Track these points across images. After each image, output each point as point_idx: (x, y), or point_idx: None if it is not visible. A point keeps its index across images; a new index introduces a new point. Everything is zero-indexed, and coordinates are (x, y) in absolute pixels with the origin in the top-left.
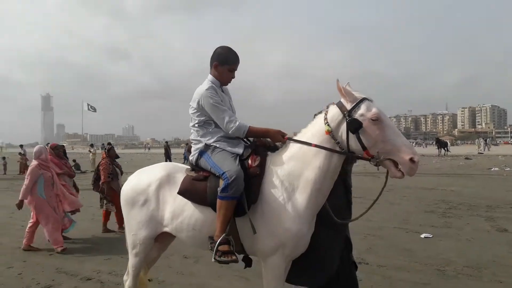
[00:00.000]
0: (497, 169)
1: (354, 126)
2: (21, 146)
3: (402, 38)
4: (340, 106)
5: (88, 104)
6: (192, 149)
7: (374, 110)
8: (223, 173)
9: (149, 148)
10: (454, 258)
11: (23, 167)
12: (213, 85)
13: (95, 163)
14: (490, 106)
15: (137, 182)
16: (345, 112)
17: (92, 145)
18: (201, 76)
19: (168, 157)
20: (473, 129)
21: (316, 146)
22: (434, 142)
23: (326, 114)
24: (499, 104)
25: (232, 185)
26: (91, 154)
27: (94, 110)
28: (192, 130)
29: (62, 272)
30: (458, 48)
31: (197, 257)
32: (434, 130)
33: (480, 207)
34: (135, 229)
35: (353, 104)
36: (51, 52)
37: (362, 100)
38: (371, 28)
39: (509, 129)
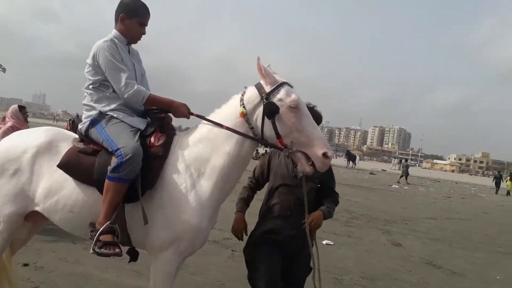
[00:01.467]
0: (397, 186)
1: (271, 110)
2: None
3: (333, 50)
4: (259, 87)
5: None
6: (83, 116)
7: (293, 96)
8: (118, 149)
9: (56, 120)
10: (352, 268)
11: None
12: (116, 39)
13: None
14: (398, 128)
15: (10, 146)
16: (263, 95)
17: None
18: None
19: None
20: (380, 147)
21: (227, 129)
22: (344, 155)
23: (242, 95)
24: (406, 127)
25: (126, 164)
26: None
27: (3, 70)
28: (85, 94)
29: None
30: (383, 69)
31: (88, 244)
32: (346, 143)
33: (379, 220)
34: (0, 203)
35: (273, 87)
36: None
37: (283, 84)
38: (307, 34)
39: (410, 151)
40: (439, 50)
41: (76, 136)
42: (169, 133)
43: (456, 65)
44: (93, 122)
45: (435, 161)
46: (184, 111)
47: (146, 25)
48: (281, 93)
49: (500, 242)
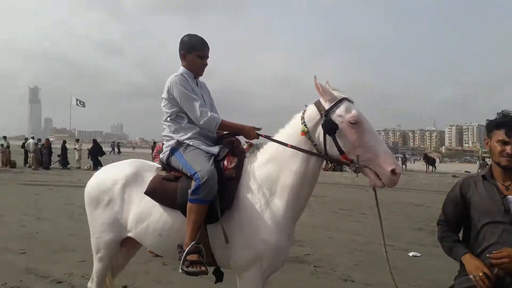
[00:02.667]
0: None
1: (329, 127)
2: (5, 137)
3: (398, 54)
4: (318, 105)
5: (77, 99)
6: (164, 146)
7: (353, 112)
8: (195, 173)
9: (134, 148)
10: (445, 280)
11: (5, 160)
12: (185, 74)
13: (81, 158)
14: (477, 126)
15: (102, 179)
16: (322, 112)
17: (77, 140)
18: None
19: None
20: (460, 147)
21: (292, 147)
22: (422, 158)
23: (303, 114)
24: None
25: (203, 186)
26: (76, 150)
27: (83, 105)
28: (164, 126)
29: (32, 273)
30: (451, 67)
31: (177, 265)
32: (421, 146)
33: None
34: (98, 232)
35: (332, 104)
36: (44, 44)
37: (342, 100)
38: (369, 44)
39: None
40: (505, 45)
41: (158, 165)
42: (240, 156)
43: None
44: (173, 151)
45: None
46: (253, 134)
47: (207, 57)
48: (341, 109)
49: None
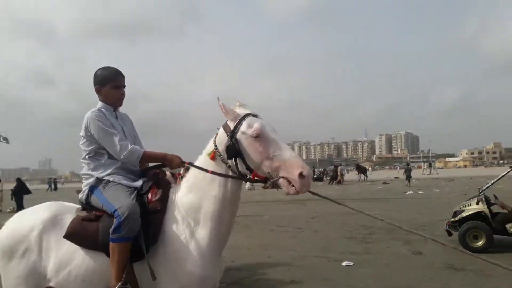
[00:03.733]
0: (412, 192)
1: (230, 151)
2: None
3: (327, 71)
4: (225, 126)
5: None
6: (83, 185)
7: (255, 125)
8: (115, 210)
9: (63, 183)
10: (372, 285)
11: None
12: (102, 109)
13: (3, 201)
14: (405, 133)
15: (16, 227)
16: (228, 133)
17: None
18: (133, 103)
19: None
20: (390, 154)
21: (213, 172)
22: (355, 168)
23: (215, 137)
24: (413, 131)
25: (124, 223)
26: None
27: (7, 141)
28: (83, 164)
29: None
30: (379, 80)
31: None
32: (354, 156)
33: (398, 231)
34: (13, 285)
35: (235, 123)
36: None
37: (244, 116)
38: (297, 60)
39: (421, 154)
40: (432, 52)
41: (77, 206)
42: (166, 187)
43: (450, 64)
44: (92, 189)
45: (447, 159)
46: (177, 162)
47: (123, 86)
48: (243, 126)
49: None
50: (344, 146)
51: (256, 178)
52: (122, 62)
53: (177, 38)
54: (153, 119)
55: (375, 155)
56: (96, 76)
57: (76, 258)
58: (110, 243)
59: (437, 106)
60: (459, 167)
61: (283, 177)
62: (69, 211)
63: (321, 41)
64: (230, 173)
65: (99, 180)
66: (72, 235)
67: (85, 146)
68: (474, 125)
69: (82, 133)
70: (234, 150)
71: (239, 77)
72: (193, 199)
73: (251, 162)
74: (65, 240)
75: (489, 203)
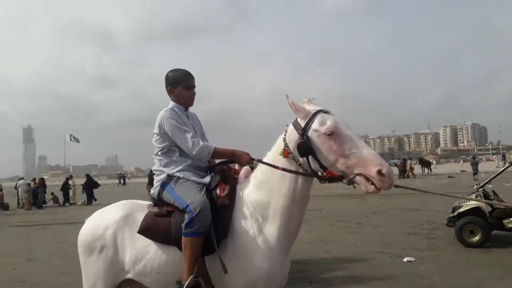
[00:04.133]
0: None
1: (303, 149)
2: None
3: (384, 64)
4: (295, 124)
5: (70, 135)
6: (154, 181)
7: (328, 123)
8: (187, 205)
9: (129, 178)
10: (438, 282)
11: None
12: (175, 108)
13: (76, 195)
14: (471, 124)
15: (94, 226)
16: (299, 131)
17: (71, 177)
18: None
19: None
20: (455, 147)
21: (283, 169)
22: (418, 162)
23: (285, 135)
24: (480, 122)
25: (197, 218)
26: (70, 187)
27: (77, 140)
28: (155, 160)
29: None
30: (438, 69)
31: None
32: (417, 149)
33: None
34: (93, 280)
35: (306, 120)
36: (36, 82)
37: (316, 113)
38: (356, 54)
39: (490, 146)
40: (491, 40)
41: (148, 203)
42: (233, 183)
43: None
44: (163, 185)
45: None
46: (246, 158)
47: (194, 86)
48: (315, 124)
49: None
50: (406, 139)
51: (330, 176)
52: (181, 63)
53: (228, 36)
54: (213, 117)
55: (439, 148)
56: (168, 78)
57: (150, 252)
58: (183, 238)
59: (504, 95)
60: None
61: (359, 174)
62: (141, 208)
63: (376, 35)
64: (301, 171)
65: (170, 177)
66: (146, 230)
67: (158, 143)
68: None
69: (156, 130)
70: (306, 148)
71: (297, 72)
72: (262, 195)
73: (325, 160)
74: (138, 235)
75: (488, 199)
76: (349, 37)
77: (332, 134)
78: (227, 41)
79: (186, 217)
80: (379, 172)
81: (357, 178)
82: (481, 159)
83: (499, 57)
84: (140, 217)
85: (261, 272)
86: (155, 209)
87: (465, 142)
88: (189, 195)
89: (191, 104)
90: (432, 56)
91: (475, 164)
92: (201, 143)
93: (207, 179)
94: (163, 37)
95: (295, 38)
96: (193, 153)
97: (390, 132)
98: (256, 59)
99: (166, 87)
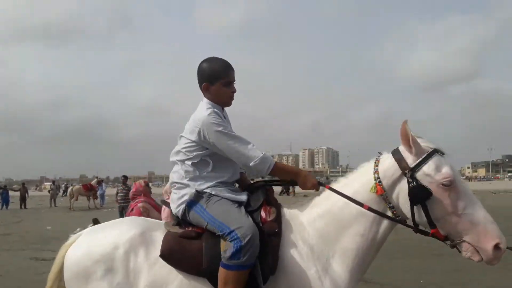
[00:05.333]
0: None
1: (421, 195)
2: None
3: (263, 82)
4: (399, 158)
5: None
6: (175, 196)
7: (445, 170)
8: (231, 231)
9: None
10: None
11: None
12: (215, 109)
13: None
14: (326, 148)
15: (92, 246)
16: (406, 171)
17: None
18: (58, 108)
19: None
20: (311, 168)
21: (370, 209)
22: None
23: (376, 165)
24: (334, 147)
25: (246, 248)
26: None
27: None
28: (176, 168)
29: None
30: (306, 95)
31: None
32: None
33: None
34: None
35: (419, 159)
36: None
37: (432, 153)
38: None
39: (340, 169)
40: (354, 72)
41: (164, 222)
42: (277, 206)
43: (373, 83)
44: (191, 204)
45: None
46: (314, 182)
47: (234, 81)
48: (429, 167)
49: None
50: None
51: (435, 234)
52: (49, 65)
53: (107, 43)
54: (79, 126)
55: None
56: (203, 71)
57: (173, 282)
58: (223, 270)
59: (357, 123)
60: None
61: (466, 242)
62: (157, 226)
63: (252, 55)
64: (389, 213)
65: (199, 194)
66: (169, 255)
67: (191, 150)
68: (390, 140)
69: (191, 136)
70: (424, 196)
71: (171, 84)
72: (327, 229)
73: (433, 214)
74: (156, 259)
75: None
76: (226, 54)
77: (450, 185)
78: (106, 48)
79: (229, 245)
80: (497, 246)
81: (465, 245)
82: (332, 180)
83: (360, 87)
84: (158, 236)
85: None
86: (176, 229)
87: (320, 164)
88: (232, 218)
89: (230, 103)
90: (299, 83)
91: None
92: (260, 152)
93: (244, 197)
94: (29, 37)
95: (174, 52)
96: (251, 164)
97: None
98: (134, 68)
99: (201, 82)
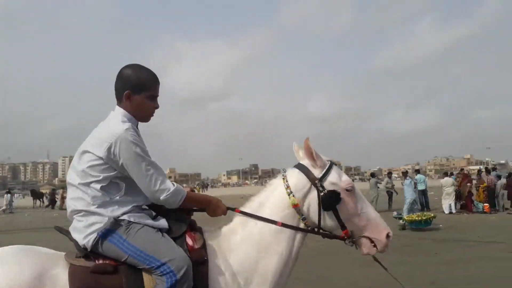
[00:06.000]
0: None
1: (333, 201)
2: None
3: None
4: (306, 172)
5: None
6: (81, 224)
7: (345, 178)
8: (162, 264)
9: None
10: None
11: None
12: (131, 123)
13: None
14: None
15: None
16: (315, 181)
17: None
18: None
19: None
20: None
21: (283, 225)
22: (31, 194)
23: (286, 181)
24: None
25: (182, 281)
26: None
27: None
28: (78, 194)
29: None
30: (65, 99)
31: None
32: (34, 179)
33: None
34: None
35: (324, 171)
36: None
37: (331, 164)
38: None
39: None
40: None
41: (58, 253)
42: (200, 232)
43: None
44: (105, 234)
45: None
46: (224, 209)
47: (158, 96)
48: (333, 176)
49: None
50: (22, 168)
51: (342, 235)
52: None
53: None
54: None
55: (57, 178)
56: (126, 77)
57: None
58: None
59: None
60: None
61: (365, 237)
62: (54, 260)
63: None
64: (302, 225)
65: (116, 222)
66: None
67: (98, 170)
68: (154, 151)
69: (98, 152)
70: (333, 201)
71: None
72: (248, 254)
73: (342, 217)
74: None
75: None
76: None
77: (351, 190)
78: None
79: (161, 280)
80: (388, 235)
81: (363, 240)
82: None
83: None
84: (61, 275)
85: None
86: (83, 262)
87: None
88: (161, 249)
89: (149, 119)
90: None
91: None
92: (172, 185)
93: (164, 222)
94: None
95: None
96: (161, 197)
97: (5, 158)
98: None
99: (122, 89)
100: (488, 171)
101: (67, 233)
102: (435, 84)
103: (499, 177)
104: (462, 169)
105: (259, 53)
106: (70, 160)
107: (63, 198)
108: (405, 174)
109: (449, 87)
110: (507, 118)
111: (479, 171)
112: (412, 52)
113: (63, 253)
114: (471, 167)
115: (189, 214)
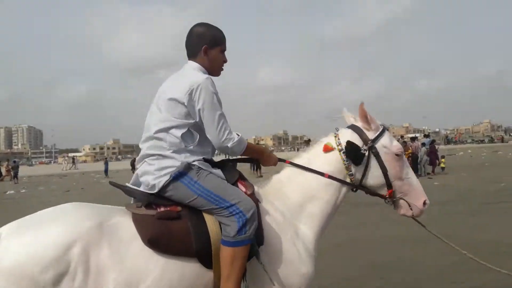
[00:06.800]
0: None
1: (381, 162)
2: None
3: None
4: (360, 133)
5: None
6: (152, 167)
7: (396, 143)
8: (231, 205)
9: None
10: None
11: None
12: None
13: None
14: (27, 127)
15: (32, 248)
16: (368, 142)
17: None
18: None
19: None
20: (9, 149)
21: (330, 177)
22: None
23: (338, 139)
24: (36, 125)
25: (250, 221)
26: None
27: None
28: (156, 135)
29: None
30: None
31: None
32: None
33: None
34: None
35: (377, 133)
36: None
37: (384, 129)
38: None
39: (44, 149)
40: (58, 43)
41: (117, 207)
42: (247, 179)
43: (79, 58)
44: (177, 176)
45: (70, 154)
46: (275, 159)
47: (226, 50)
48: (385, 140)
49: None
50: None
51: (384, 194)
52: None
53: None
54: None
55: None
56: (201, 33)
57: (154, 270)
58: (229, 249)
59: (64, 100)
60: (85, 161)
61: (404, 200)
62: (114, 213)
63: None
64: (348, 180)
65: (188, 166)
66: (157, 240)
67: (179, 116)
68: (96, 122)
69: (180, 97)
70: (378, 161)
71: None
72: (295, 198)
73: (385, 178)
74: (126, 251)
75: None
76: None
77: (400, 155)
78: None
79: (231, 220)
80: (424, 202)
81: (401, 202)
82: (36, 162)
83: (64, 61)
84: (122, 223)
85: (303, 279)
86: (144, 211)
87: (20, 144)
88: (229, 192)
89: (219, 74)
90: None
91: (16, 168)
92: (237, 135)
93: (221, 173)
94: None
95: None
96: (229, 145)
97: None
98: None
99: (200, 44)
100: (413, 139)
101: (124, 187)
102: (380, 55)
103: (423, 144)
104: (402, 136)
105: (209, 20)
106: (6, 132)
107: (8, 171)
108: None
109: (392, 58)
110: (445, 88)
111: (412, 138)
112: (359, 24)
113: (120, 207)
114: (409, 135)
115: (234, 167)
